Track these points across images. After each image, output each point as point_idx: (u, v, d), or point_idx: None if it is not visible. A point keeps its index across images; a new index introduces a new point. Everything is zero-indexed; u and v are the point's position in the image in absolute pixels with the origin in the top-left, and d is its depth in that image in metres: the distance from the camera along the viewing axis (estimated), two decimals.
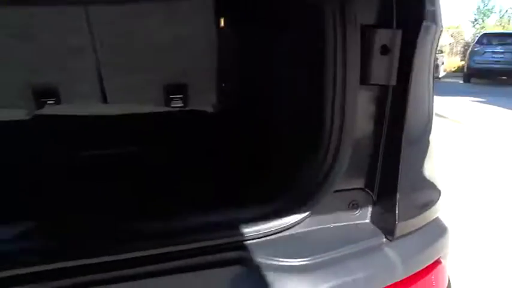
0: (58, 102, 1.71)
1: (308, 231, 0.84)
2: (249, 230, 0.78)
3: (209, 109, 1.92)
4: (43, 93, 1.70)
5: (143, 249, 0.73)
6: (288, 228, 0.81)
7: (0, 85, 1.58)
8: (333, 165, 0.83)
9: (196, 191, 1.05)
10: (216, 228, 0.77)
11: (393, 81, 0.78)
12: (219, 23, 1.81)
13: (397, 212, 0.82)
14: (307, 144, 0.87)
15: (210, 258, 0.75)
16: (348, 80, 0.77)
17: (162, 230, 0.78)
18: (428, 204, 0.91)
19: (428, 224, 0.90)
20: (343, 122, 0.80)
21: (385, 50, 0.76)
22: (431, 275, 0.89)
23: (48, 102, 1.74)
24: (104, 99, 1.83)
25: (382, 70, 0.77)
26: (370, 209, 0.89)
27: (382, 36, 0.75)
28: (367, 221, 0.89)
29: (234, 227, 0.78)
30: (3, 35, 1.44)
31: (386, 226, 0.85)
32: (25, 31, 1.48)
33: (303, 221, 0.83)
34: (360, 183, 0.86)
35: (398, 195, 0.82)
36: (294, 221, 0.81)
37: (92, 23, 1.56)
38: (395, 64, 0.77)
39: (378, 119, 0.81)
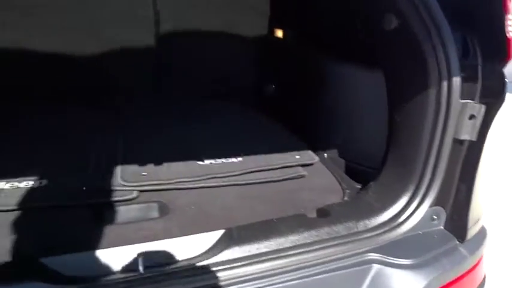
0: None
1: (407, 236, 1.20)
2: (379, 238, 1.13)
3: None
4: None
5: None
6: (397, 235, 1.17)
7: None
8: (426, 193, 1.19)
9: None
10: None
11: (475, 138, 1.13)
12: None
13: (468, 222, 1.20)
14: (409, 177, 1.22)
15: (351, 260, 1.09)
16: (446, 136, 1.12)
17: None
18: (481, 213, 1.30)
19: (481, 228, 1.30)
20: (437, 164, 1.16)
21: (472, 117, 1.11)
22: (481, 264, 1.30)
23: None
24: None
25: (469, 130, 1.12)
26: (444, 219, 1.26)
27: (472, 108, 1.10)
28: (441, 227, 1.27)
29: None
30: None
31: (458, 232, 1.23)
32: None
33: (405, 230, 1.19)
34: (440, 203, 1.23)
35: (470, 212, 1.20)
36: (404, 230, 1.17)
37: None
38: (478, 126, 1.12)
39: (461, 161, 1.17)
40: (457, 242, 1.22)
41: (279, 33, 2.04)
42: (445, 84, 1.09)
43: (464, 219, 1.21)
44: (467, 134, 1.13)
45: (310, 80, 1.83)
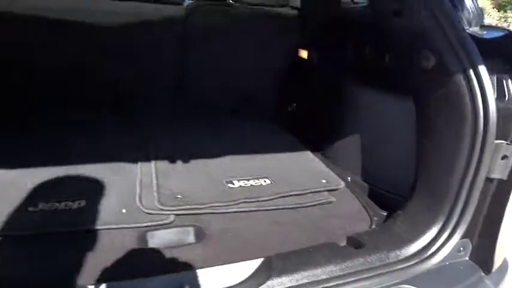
0: None
1: (436, 267, 1.24)
2: (410, 270, 1.17)
3: None
4: None
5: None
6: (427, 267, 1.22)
7: None
8: (456, 227, 1.23)
9: None
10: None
11: (505, 177, 1.18)
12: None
13: (494, 254, 1.25)
14: (439, 210, 1.26)
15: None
16: (479, 174, 1.16)
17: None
18: (505, 247, 1.35)
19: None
20: (468, 200, 1.20)
21: (504, 157, 1.16)
22: None
23: None
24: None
25: (500, 170, 1.17)
26: (469, 250, 1.30)
27: (505, 149, 1.15)
28: (467, 258, 1.31)
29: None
30: None
31: (483, 264, 1.28)
32: None
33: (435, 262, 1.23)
34: (467, 235, 1.27)
35: (496, 245, 1.24)
36: (434, 263, 1.21)
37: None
38: (509, 166, 1.17)
39: (489, 197, 1.22)
40: (483, 274, 1.27)
41: (304, 54, 2.07)
42: (480, 124, 1.13)
43: (491, 252, 1.25)
44: (499, 173, 1.17)
45: (335, 102, 1.87)
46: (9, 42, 1.76)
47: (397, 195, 1.55)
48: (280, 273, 1.07)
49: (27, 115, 1.98)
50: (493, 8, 14.36)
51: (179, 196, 1.39)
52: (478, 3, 1.46)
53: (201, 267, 1.10)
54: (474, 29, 1.35)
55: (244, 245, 1.23)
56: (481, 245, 1.28)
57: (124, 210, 1.30)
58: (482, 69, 1.14)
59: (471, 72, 1.15)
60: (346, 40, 1.98)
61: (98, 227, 1.22)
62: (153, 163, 1.62)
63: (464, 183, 1.19)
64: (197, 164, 1.65)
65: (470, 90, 1.15)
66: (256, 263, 1.13)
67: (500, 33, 1.26)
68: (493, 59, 1.18)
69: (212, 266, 1.11)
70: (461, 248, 1.28)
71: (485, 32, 1.32)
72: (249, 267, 1.12)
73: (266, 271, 1.08)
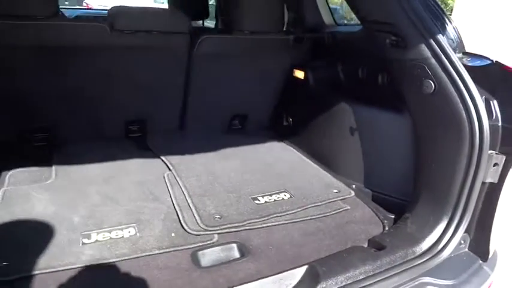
0: None
1: (445, 259, 1.47)
2: (427, 264, 1.40)
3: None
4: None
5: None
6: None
7: None
8: (458, 225, 1.47)
9: None
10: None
11: (496, 181, 1.43)
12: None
13: (490, 244, 1.51)
14: (443, 211, 1.49)
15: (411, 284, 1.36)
16: (476, 180, 1.41)
17: None
18: (496, 238, 1.61)
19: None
20: (468, 202, 1.45)
21: (495, 164, 1.41)
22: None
23: None
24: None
25: (492, 175, 1.42)
26: (468, 243, 1.55)
27: (495, 158, 1.40)
28: (466, 250, 1.56)
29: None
30: None
31: (481, 253, 1.53)
32: None
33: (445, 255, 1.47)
34: (467, 230, 1.52)
35: (491, 236, 1.50)
36: (445, 256, 1.44)
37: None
38: (499, 171, 1.42)
39: (483, 197, 1.47)
40: (481, 262, 1.53)
41: (299, 73, 2.27)
42: (477, 139, 1.37)
43: (487, 242, 1.51)
44: (492, 178, 1.43)
45: (331, 118, 2.09)
46: (15, 71, 1.82)
47: (399, 199, 1.78)
48: (326, 277, 1.25)
49: (42, 147, 2.05)
50: None
51: (217, 216, 1.54)
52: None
53: (257, 279, 1.26)
54: (459, 56, 1.60)
55: (286, 256, 1.40)
56: (477, 238, 1.54)
57: (173, 234, 1.43)
58: (476, 93, 1.38)
59: (466, 95, 1.39)
60: (338, 61, 2.21)
61: (155, 252, 1.34)
62: (181, 184, 1.75)
63: (464, 188, 1.44)
64: (221, 182, 1.80)
65: (467, 110, 1.39)
66: (301, 270, 1.31)
67: (485, 61, 1.51)
68: (481, 84, 1.43)
69: (266, 277, 1.28)
70: (462, 242, 1.52)
71: (469, 59, 1.57)
72: (297, 274, 1.29)
73: (313, 277, 1.27)
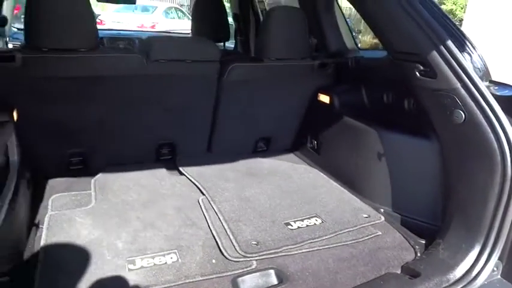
0: None
1: (479, 286, 1.50)
2: None
3: None
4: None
5: None
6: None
7: None
8: (491, 252, 1.50)
9: None
10: None
11: None
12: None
13: None
14: (475, 237, 1.53)
15: None
16: (509, 208, 1.44)
17: None
18: None
19: None
20: (501, 229, 1.48)
21: None
22: None
23: None
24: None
25: None
26: (501, 269, 1.58)
27: None
28: (499, 277, 1.59)
29: None
30: None
31: None
32: None
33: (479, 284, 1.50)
34: (500, 258, 1.54)
35: None
36: (479, 284, 1.47)
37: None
38: None
39: None
40: None
41: (325, 98, 2.33)
42: (509, 168, 1.41)
43: None
44: None
45: (357, 141, 2.13)
46: (57, 100, 1.90)
47: (428, 223, 1.82)
48: None
49: (77, 171, 2.13)
50: None
51: (254, 242, 1.59)
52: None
53: None
54: (486, 84, 1.65)
55: (323, 282, 1.45)
56: (511, 265, 1.56)
57: (214, 261, 1.49)
58: (506, 123, 1.43)
59: (497, 125, 1.43)
60: (362, 85, 2.27)
61: (198, 279, 1.40)
62: (215, 209, 1.81)
63: (497, 216, 1.47)
64: (253, 207, 1.86)
65: (498, 140, 1.43)
66: None
67: None
68: (510, 114, 1.47)
69: None
70: (495, 268, 1.55)
71: (497, 88, 1.61)
72: None
73: None
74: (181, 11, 13.96)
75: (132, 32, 3.81)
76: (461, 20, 12.20)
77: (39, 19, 1.70)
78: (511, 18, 6.79)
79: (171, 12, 12.97)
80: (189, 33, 4.43)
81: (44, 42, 1.73)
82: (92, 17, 1.81)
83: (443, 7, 13.68)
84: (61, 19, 1.72)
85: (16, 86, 1.74)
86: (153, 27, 11.18)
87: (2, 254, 1.34)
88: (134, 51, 2.24)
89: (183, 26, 12.03)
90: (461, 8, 13.05)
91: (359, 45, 2.99)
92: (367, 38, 9.44)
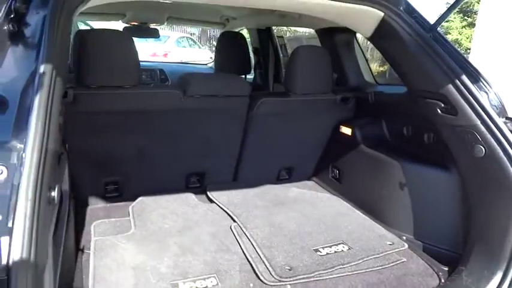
0: None
1: None
2: None
3: None
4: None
5: None
6: None
7: None
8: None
9: None
10: None
11: None
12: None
13: None
14: (497, 264, 1.62)
15: None
16: None
17: None
18: None
19: None
20: None
21: None
22: None
23: None
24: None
25: None
26: None
27: None
28: None
29: None
30: None
31: None
32: None
33: None
34: None
35: None
36: None
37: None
38: None
39: None
40: None
41: (347, 130, 2.47)
42: None
43: None
44: None
45: (379, 171, 2.25)
46: (102, 132, 2.05)
47: (450, 251, 1.91)
48: None
49: (113, 198, 2.26)
50: None
51: (287, 267, 1.69)
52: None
53: None
54: (503, 120, 1.77)
55: None
56: None
57: (251, 285, 1.59)
58: None
59: None
60: (383, 119, 2.41)
61: None
62: (248, 235, 1.92)
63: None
64: (283, 233, 1.97)
65: None
66: None
67: None
68: None
69: None
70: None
71: None
72: None
73: None
74: (192, 40, 14.39)
75: (150, 63, 3.99)
76: (467, 49, 12.48)
77: (88, 61, 1.86)
78: None
79: (183, 41, 13.38)
80: (204, 63, 4.64)
81: (93, 81, 1.89)
82: (135, 56, 1.97)
83: (449, 37, 14.02)
84: (108, 60, 1.88)
85: (67, 119, 1.90)
86: (165, 55, 11.55)
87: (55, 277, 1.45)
88: (172, 87, 2.40)
89: (195, 54, 12.45)
90: (467, 38, 13.35)
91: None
92: (374, 66, 9.71)
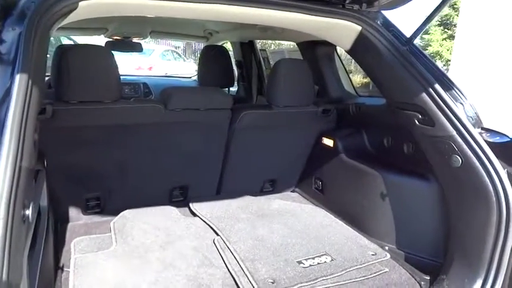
0: None
1: None
2: None
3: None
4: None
5: None
6: None
7: None
8: (493, 285, 1.62)
9: None
10: None
11: None
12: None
13: None
14: (477, 272, 1.64)
15: None
16: (507, 243, 1.56)
17: None
18: None
19: None
20: (500, 265, 1.59)
21: None
22: None
23: None
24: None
25: None
26: None
27: None
28: None
29: None
30: None
31: None
32: None
33: None
34: None
35: None
36: None
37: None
38: None
39: None
40: None
41: (329, 142, 2.50)
42: (503, 207, 1.55)
43: None
44: None
45: (361, 182, 2.27)
46: (81, 147, 2.04)
47: (432, 260, 1.93)
48: None
49: (94, 214, 2.24)
50: None
51: (270, 281, 1.69)
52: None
53: None
54: (478, 131, 1.81)
55: None
56: None
57: None
58: (499, 167, 1.58)
59: (491, 169, 1.58)
60: (364, 130, 2.44)
61: None
62: (231, 248, 1.90)
63: (495, 252, 1.59)
64: (266, 246, 1.96)
65: (492, 182, 1.58)
66: None
67: (504, 138, 1.72)
68: (502, 159, 1.63)
69: None
70: None
71: (489, 135, 1.78)
72: None
73: None
74: (177, 53, 14.41)
75: (134, 77, 3.98)
76: (447, 61, 12.77)
77: (68, 76, 1.84)
78: (497, 59, 7.14)
79: (167, 55, 13.38)
80: (188, 76, 4.64)
81: (72, 96, 1.88)
82: (116, 71, 1.97)
83: (430, 49, 14.30)
84: (88, 76, 1.88)
85: (46, 135, 1.87)
86: (150, 69, 11.52)
87: None
88: (153, 101, 2.40)
89: (180, 67, 12.46)
90: (447, 50, 13.67)
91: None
92: (357, 78, 9.86)
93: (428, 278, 1.85)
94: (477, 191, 1.62)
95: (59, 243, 1.96)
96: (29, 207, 1.02)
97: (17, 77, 1.08)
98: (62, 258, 1.84)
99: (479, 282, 1.63)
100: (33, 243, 1.25)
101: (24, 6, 1.31)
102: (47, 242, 1.58)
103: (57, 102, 1.87)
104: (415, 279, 1.84)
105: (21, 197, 0.95)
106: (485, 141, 1.68)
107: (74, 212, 2.20)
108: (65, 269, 1.75)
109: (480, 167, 1.61)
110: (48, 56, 1.54)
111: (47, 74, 1.79)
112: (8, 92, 1.06)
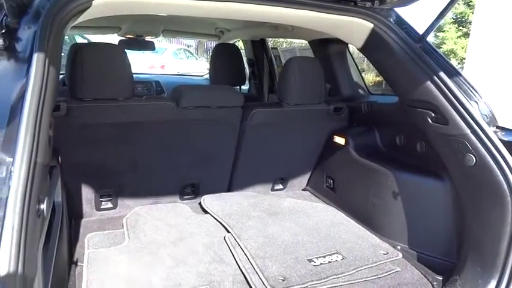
0: None
1: None
2: None
3: None
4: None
5: None
6: None
7: None
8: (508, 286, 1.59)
9: None
10: None
11: None
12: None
13: None
14: (491, 274, 1.62)
15: None
16: None
17: None
18: None
19: None
20: None
21: None
22: None
23: None
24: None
25: None
26: None
27: None
28: None
29: None
30: None
31: None
32: None
33: None
34: None
35: None
36: None
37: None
38: None
39: None
40: None
41: (341, 140, 2.48)
42: None
43: None
44: None
45: (373, 181, 2.26)
46: (96, 144, 2.07)
47: (444, 260, 1.91)
48: None
49: (107, 209, 2.27)
50: None
51: (281, 278, 1.69)
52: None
53: None
54: (493, 129, 1.78)
55: None
56: None
57: None
58: None
59: (506, 168, 1.56)
60: (376, 128, 2.42)
61: None
62: (241, 246, 1.91)
63: (510, 252, 1.57)
64: (277, 244, 1.96)
65: (507, 181, 1.55)
66: None
67: None
68: None
69: None
70: None
71: (504, 133, 1.75)
72: None
73: None
74: (190, 52, 14.48)
75: (147, 76, 4.00)
76: (462, 59, 12.58)
77: (82, 74, 1.87)
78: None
79: (180, 53, 13.45)
80: (200, 74, 4.66)
81: (86, 94, 1.90)
82: (128, 69, 1.99)
83: (444, 46, 14.09)
84: (101, 73, 1.90)
85: (60, 132, 1.90)
86: (162, 67, 11.59)
87: None
88: (165, 99, 2.42)
89: (192, 65, 12.51)
90: (462, 48, 13.47)
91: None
92: (370, 76, 9.78)
93: (441, 278, 1.83)
94: (491, 190, 1.60)
95: (73, 238, 1.99)
96: (43, 202, 1.04)
97: (32, 75, 1.10)
98: (76, 253, 1.87)
99: (493, 283, 1.61)
100: (47, 237, 1.27)
101: (39, 5, 1.34)
102: (61, 237, 1.61)
103: (71, 100, 1.90)
104: (428, 279, 1.82)
105: (36, 192, 0.97)
106: (500, 140, 1.65)
107: (87, 208, 2.23)
108: (78, 263, 1.78)
109: (495, 166, 1.58)
110: (62, 54, 1.57)
111: (61, 71, 1.82)
112: (23, 90, 1.08)
